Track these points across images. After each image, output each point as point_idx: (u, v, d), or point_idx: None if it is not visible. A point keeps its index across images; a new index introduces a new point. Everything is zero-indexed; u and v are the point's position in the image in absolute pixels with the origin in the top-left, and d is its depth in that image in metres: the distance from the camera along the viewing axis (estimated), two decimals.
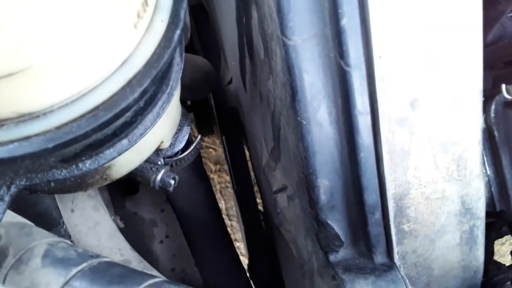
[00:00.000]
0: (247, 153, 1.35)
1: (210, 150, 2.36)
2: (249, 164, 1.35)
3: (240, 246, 2.30)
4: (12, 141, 0.40)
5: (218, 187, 2.39)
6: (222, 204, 2.36)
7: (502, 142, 0.69)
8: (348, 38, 0.49)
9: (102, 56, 0.40)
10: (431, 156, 0.59)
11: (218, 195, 2.38)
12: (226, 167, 2.09)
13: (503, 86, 0.65)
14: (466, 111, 0.57)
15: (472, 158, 0.61)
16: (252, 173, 1.35)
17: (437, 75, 0.54)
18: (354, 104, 0.53)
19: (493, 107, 0.68)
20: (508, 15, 0.99)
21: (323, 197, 0.60)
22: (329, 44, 0.51)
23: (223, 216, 2.49)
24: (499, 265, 0.91)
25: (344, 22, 0.47)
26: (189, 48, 1.36)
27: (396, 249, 0.62)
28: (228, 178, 2.31)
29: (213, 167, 2.37)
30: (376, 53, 0.50)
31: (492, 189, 0.71)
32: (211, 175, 2.37)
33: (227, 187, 2.34)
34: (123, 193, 0.92)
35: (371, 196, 0.58)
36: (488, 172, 0.70)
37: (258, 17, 0.62)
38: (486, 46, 0.90)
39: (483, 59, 0.82)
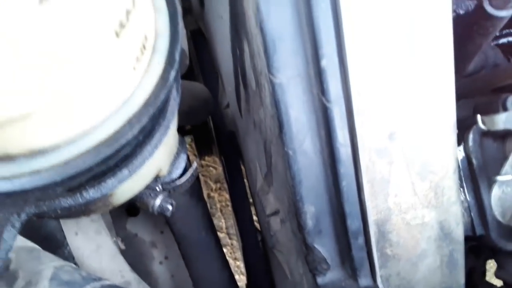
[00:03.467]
0: (244, 173, 1.40)
1: (211, 168, 2.40)
2: (247, 184, 1.39)
3: (240, 265, 2.33)
4: (23, 175, 0.44)
5: (218, 205, 2.43)
6: (222, 223, 2.39)
7: (480, 169, 0.73)
8: (328, 77, 0.53)
9: (104, 98, 0.44)
10: (410, 184, 0.63)
11: (218, 214, 2.41)
12: (226, 185, 2.12)
13: (479, 117, 0.69)
14: (441, 142, 0.62)
15: (449, 186, 0.65)
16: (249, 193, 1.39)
17: (412, 109, 0.59)
18: (336, 137, 0.57)
19: (471, 136, 0.73)
20: (492, 43, 1.04)
21: (309, 222, 0.64)
22: (312, 82, 0.55)
23: (224, 234, 2.52)
24: (491, 285, 0.95)
25: (324, 63, 0.52)
26: (188, 73, 1.41)
27: (379, 272, 0.66)
28: (228, 196, 2.35)
29: (213, 186, 2.41)
30: (354, 90, 0.55)
31: (472, 214, 0.75)
32: (212, 194, 2.40)
33: (227, 205, 2.37)
34: (124, 215, 0.97)
35: (353, 222, 0.62)
36: (468, 198, 0.74)
37: (250, 52, 0.66)
38: (468, 75, 0.95)
39: (464, 89, 0.87)
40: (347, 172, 0.59)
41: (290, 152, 0.60)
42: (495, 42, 1.02)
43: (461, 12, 0.88)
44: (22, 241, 0.58)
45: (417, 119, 0.60)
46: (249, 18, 0.56)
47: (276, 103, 0.57)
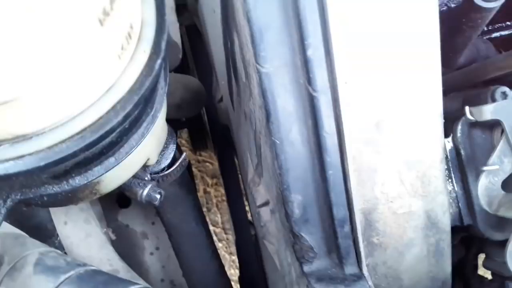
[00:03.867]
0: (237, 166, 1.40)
1: (207, 164, 2.40)
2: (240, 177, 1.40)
3: (236, 260, 2.34)
4: (7, 160, 0.45)
5: (214, 200, 2.43)
6: (218, 218, 2.40)
7: (468, 160, 0.73)
8: (314, 67, 0.54)
9: (88, 85, 0.45)
10: (396, 173, 0.64)
11: (214, 209, 2.41)
12: (222, 180, 2.13)
13: (467, 108, 0.70)
14: (428, 132, 0.62)
15: (436, 175, 0.65)
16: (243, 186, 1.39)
17: (399, 99, 0.59)
18: (322, 126, 0.57)
19: (459, 127, 0.73)
20: (484, 37, 1.04)
21: (296, 211, 0.65)
22: (299, 71, 0.56)
23: (220, 229, 2.52)
24: (482, 278, 0.95)
25: (310, 52, 0.53)
26: (183, 67, 1.42)
27: (365, 260, 0.66)
28: (224, 191, 2.35)
29: (210, 181, 2.41)
30: (340, 79, 0.55)
31: (460, 204, 0.75)
32: (208, 189, 2.41)
33: (224, 200, 2.38)
34: (116, 207, 0.97)
35: (340, 211, 0.62)
36: (456, 189, 0.75)
37: (239, 43, 0.67)
38: (458, 68, 0.95)
39: (455, 81, 0.88)
40: (334, 161, 0.60)
41: (277, 142, 0.60)
42: (487, 36, 1.02)
43: (453, 5, 0.89)
44: (8, 228, 0.58)
45: (403, 109, 0.60)
46: (238, 10, 0.57)
47: (263, 93, 0.57)
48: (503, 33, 1.04)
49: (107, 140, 0.50)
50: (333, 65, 0.53)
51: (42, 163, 0.45)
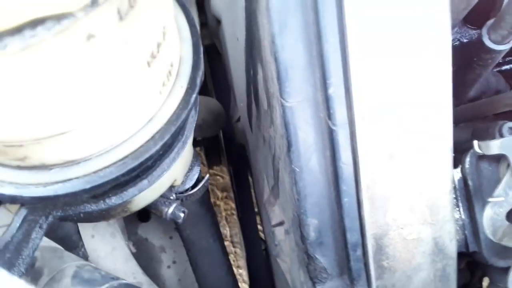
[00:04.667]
0: (251, 183, 1.44)
1: (218, 177, 2.44)
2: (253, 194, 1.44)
3: (243, 273, 2.36)
4: (57, 182, 0.50)
5: (223, 214, 2.47)
6: (227, 231, 2.43)
7: (475, 190, 0.77)
8: (334, 104, 0.58)
9: (132, 117, 0.49)
10: (407, 202, 0.68)
11: (223, 222, 2.45)
12: (232, 194, 2.17)
13: (475, 142, 0.74)
14: (438, 164, 0.66)
15: (444, 205, 0.69)
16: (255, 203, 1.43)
17: (412, 134, 0.63)
18: (340, 157, 0.62)
19: (468, 159, 0.77)
20: (495, 70, 1.08)
21: (312, 234, 0.69)
22: (320, 106, 0.60)
23: (228, 242, 2.57)
24: None
25: (331, 91, 0.57)
26: (202, 87, 1.46)
27: (375, 283, 0.70)
28: (233, 205, 2.39)
29: (220, 194, 2.45)
30: (358, 115, 0.59)
31: (466, 232, 0.79)
32: (218, 202, 2.44)
33: (233, 214, 2.41)
34: (136, 221, 1.02)
35: (353, 236, 0.67)
36: (463, 217, 0.79)
37: (263, 75, 0.71)
38: (470, 100, 0.99)
39: (465, 113, 0.92)
40: (349, 190, 0.64)
41: (297, 169, 0.65)
42: (497, 69, 1.05)
43: (465, 40, 0.93)
44: (46, 242, 0.63)
45: (415, 143, 0.64)
46: (265, 47, 0.61)
47: (286, 125, 0.62)
48: None
49: (144, 165, 0.55)
50: (352, 103, 0.58)
51: (87, 186, 0.50)
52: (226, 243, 2.45)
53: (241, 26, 0.78)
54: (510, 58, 1.06)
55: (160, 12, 0.45)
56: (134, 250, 0.99)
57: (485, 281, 1.05)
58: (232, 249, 2.44)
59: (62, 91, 0.41)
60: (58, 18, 0.34)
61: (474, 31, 0.91)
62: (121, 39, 0.40)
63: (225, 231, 2.45)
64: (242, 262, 2.38)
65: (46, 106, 0.41)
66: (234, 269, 2.50)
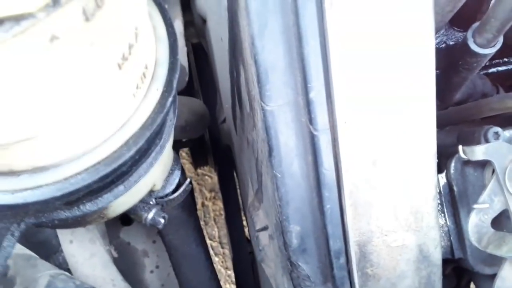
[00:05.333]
0: (237, 185, 1.43)
1: (206, 177, 2.43)
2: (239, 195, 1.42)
3: (232, 275, 2.35)
4: (26, 189, 0.48)
5: (212, 214, 2.45)
6: (215, 232, 2.42)
7: (460, 196, 0.76)
8: (316, 108, 0.57)
9: (103, 122, 0.48)
10: (391, 209, 0.67)
11: (211, 222, 2.43)
12: (220, 195, 2.15)
13: (460, 147, 0.73)
14: (422, 171, 0.65)
15: (428, 212, 0.68)
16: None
17: (395, 140, 0.62)
18: (322, 163, 0.60)
19: (453, 164, 0.76)
20: (481, 72, 1.07)
21: (294, 241, 0.68)
22: (301, 111, 0.59)
23: (216, 243, 2.54)
24: None
25: (312, 95, 0.56)
26: (188, 85, 1.44)
27: None
28: (222, 205, 2.37)
29: (208, 194, 2.43)
30: (340, 120, 0.58)
31: (452, 238, 0.78)
32: (206, 202, 2.43)
33: (221, 214, 2.40)
34: (118, 224, 1.00)
35: (335, 243, 0.65)
36: (448, 223, 0.78)
37: (245, 77, 0.70)
38: (456, 104, 0.98)
39: (451, 117, 0.90)
40: (331, 196, 0.62)
41: (279, 175, 0.63)
42: (484, 71, 1.05)
43: (451, 43, 0.92)
44: (20, 249, 0.61)
45: (399, 149, 0.63)
46: (245, 49, 0.60)
47: (266, 129, 0.60)
48: (500, 68, 1.06)
49: (118, 171, 0.53)
50: (333, 107, 0.56)
51: (58, 193, 0.48)
52: (214, 244, 2.44)
53: (225, 27, 0.77)
54: (497, 61, 1.06)
55: (131, 12, 0.43)
56: (116, 254, 0.97)
57: (473, 285, 1.04)
58: (221, 250, 2.43)
59: (25, 95, 0.39)
60: (17, 19, 0.33)
61: (460, 34, 0.91)
62: (87, 40, 0.38)
63: (214, 231, 2.44)
64: (230, 263, 2.36)
65: (8, 110, 0.39)
66: (223, 270, 2.48)
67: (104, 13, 0.38)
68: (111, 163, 0.49)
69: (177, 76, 0.54)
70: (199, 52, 1.49)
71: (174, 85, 0.54)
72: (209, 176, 2.46)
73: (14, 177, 0.48)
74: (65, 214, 0.57)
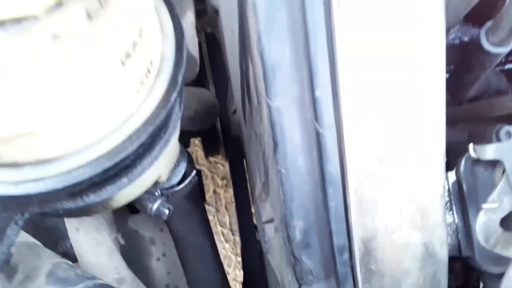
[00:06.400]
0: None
1: (218, 165, 2.43)
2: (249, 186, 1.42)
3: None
4: (28, 181, 0.48)
5: (223, 201, 2.46)
6: (226, 219, 2.43)
7: (469, 195, 0.75)
8: (321, 105, 0.56)
9: (106, 116, 0.48)
10: (397, 207, 0.66)
11: (223, 210, 2.45)
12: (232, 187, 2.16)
13: (471, 146, 0.72)
14: (429, 169, 0.64)
15: (435, 210, 0.67)
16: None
17: (403, 138, 0.61)
18: (327, 160, 0.60)
19: (463, 162, 0.75)
20: (497, 69, 1.05)
21: (298, 235, 0.67)
22: (307, 107, 0.58)
23: (227, 230, 2.55)
24: None
25: (318, 92, 0.55)
26: (200, 75, 1.44)
27: (362, 286, 0.69)
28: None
29: (220, 182, 2.44)
30: (347, 117, 0.57)
31: (459, 236, 0.77)
32: (218, 190, 2.44)
33: (233, 202, 2.40)
34: (126, 212, 1.00)
35: (339, 239, 0.65)
36: (456, 221, 0.77)
37: (253, 72, 0.69)
38: (469, 101, 0.97)
39: (463, 114, 0.89)
40: (336, 193, 0.62)
41: (283, 171, 0.63)
42: (499, 68, 1.03)
43: (466, 39, 0.90)
44: (24, 237, 0.61)
45: (406, 147, 0.62)
46: (253, 45, 0.59)
47: (272, 125, 0.60)
48: None
49: (121, 164, 0.53)
50: (339, 104, 0.56)
51: (60, 185, 0.48)
52: (225, 230, 2.45)
53: (236, 19, 0.76)
54: None
55: (136, 10, 0.43)
56: (123, 242, 0.97)
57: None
58: (232, 237, 2.44)
59: (27, 90, 0.39)
60: (19, 20, 0.33)
61: (475, 30, 0.89)
62: (90, 39, 0.38)
63: (225, 218, 2.45)
64: None
65: (11, 104, 0.39)
66: (233, 256, 2.50)
67: (108, 12, 0.38)
68: (114, 157, 0.50)
69: (182, 71, 0.54)
70: (212, 42, 1.48)
71: (179, 80, 0.53)
72: (221, 164, 2.46)
73: (18, 169, 0.48)
74: (68, 204, 0.57)
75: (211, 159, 2.42)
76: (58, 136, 0.46)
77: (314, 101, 0.56)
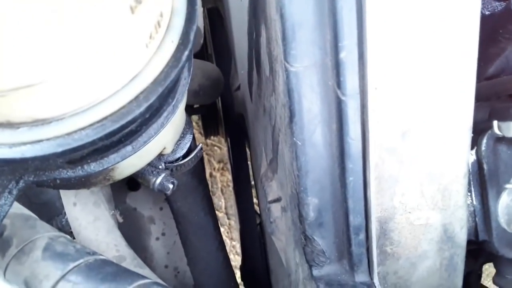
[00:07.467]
0: (249, 156, 1.39)
1: (215, 148, 2.39)
2: (250, 167, 1.38)
3: (236, 245, 2.34)
4: (24, 143, 0.43)
5: (219, 185, 2.43)
6: (222, 203, 2.40)
7: (490, 175, 0.71)
8: (346, 70, 0.52)
9: (112, 72, 0.43)
10: (418, 185, 0.62)
11: (218, 193, 2.41)
12: (229, 166, 2.12)
13: (495, 122, 0.68)
14: (454, 145, 0.60)
15: (457, 190, 0.63)
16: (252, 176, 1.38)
17: (429, 109, 0.57)
18: (347, 131, 0.56)
19: (484, 140, 0.71)
20: None
21: (311, 214, 0.63)
22: (328, 73, 0.54)
23: (222, 214, 2.52)
24: None
25: (343, 55, 0.50)
26: (202, 52, 1.39)
27: (377, 269, 0.65)
28: (230, 177, 2.34)
29: (216, 165, 2.40)
30: (371, 85, 0.53)
31: (477, 219, 0.73)
32: (214, 173, 2.40)
33: (229, 186, 2.37)
34: (125, 189, 0.96)
35: (356, 218, 0.61)
36: (474, 203, 0.73)
37: (267, 37, 0.65)
38: (488, 78, 0.93)
39: (482, 91, 0.85)
40: (355, 168, 0.58)
41: (299, 143, 0.58)
42: None
43: (487, 13, 0.86)
44: (18, 209, 0.57)
45: (432, 120, 0.58)
46: (270, 3, 0.54)
47: (289, 92, 0.55)
48: None
49: (127, 129, 0.49)
50: (365, 70, 0.51)
51: (59, 149, 0.44)
52: (220, 214, 2.42)
53: None
54: None
55: None
56: (121, 219, 0.93)
57: (484, 266, 1.00)
58: (227, 220, 2.41)
59: (27, 38, 0.34)
60: None
61: (497, 3, 0.84)
62: None
63: (221, 202, 2.41)
64: (236, 234, 2.34)
65: (9, 54, 0.34)
66: (228, 241, 2.47)
67: None
68: (119, 119, 0.45)
69: (194, 28, 0.49)
70: (214, 17, 1.43)
71: (191, 37, 0.49)
72: (218, 147, 2.42)
73: (13, 130, 0.43)
74: (67, 173, 0.53)
75: (208, 141, 2.38)
76: (59, 92, 0.41)
77: (337, 65, 0.51)
